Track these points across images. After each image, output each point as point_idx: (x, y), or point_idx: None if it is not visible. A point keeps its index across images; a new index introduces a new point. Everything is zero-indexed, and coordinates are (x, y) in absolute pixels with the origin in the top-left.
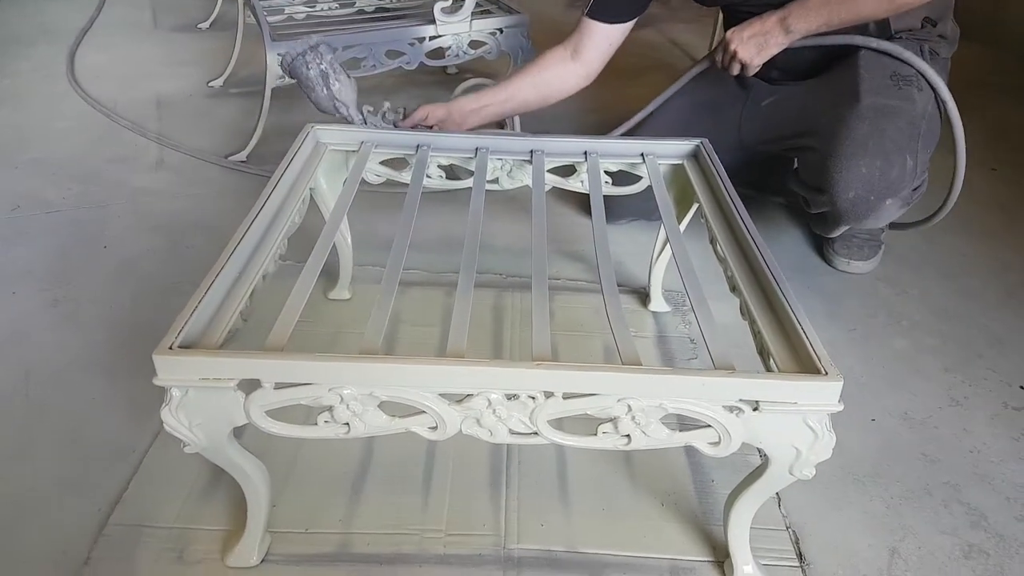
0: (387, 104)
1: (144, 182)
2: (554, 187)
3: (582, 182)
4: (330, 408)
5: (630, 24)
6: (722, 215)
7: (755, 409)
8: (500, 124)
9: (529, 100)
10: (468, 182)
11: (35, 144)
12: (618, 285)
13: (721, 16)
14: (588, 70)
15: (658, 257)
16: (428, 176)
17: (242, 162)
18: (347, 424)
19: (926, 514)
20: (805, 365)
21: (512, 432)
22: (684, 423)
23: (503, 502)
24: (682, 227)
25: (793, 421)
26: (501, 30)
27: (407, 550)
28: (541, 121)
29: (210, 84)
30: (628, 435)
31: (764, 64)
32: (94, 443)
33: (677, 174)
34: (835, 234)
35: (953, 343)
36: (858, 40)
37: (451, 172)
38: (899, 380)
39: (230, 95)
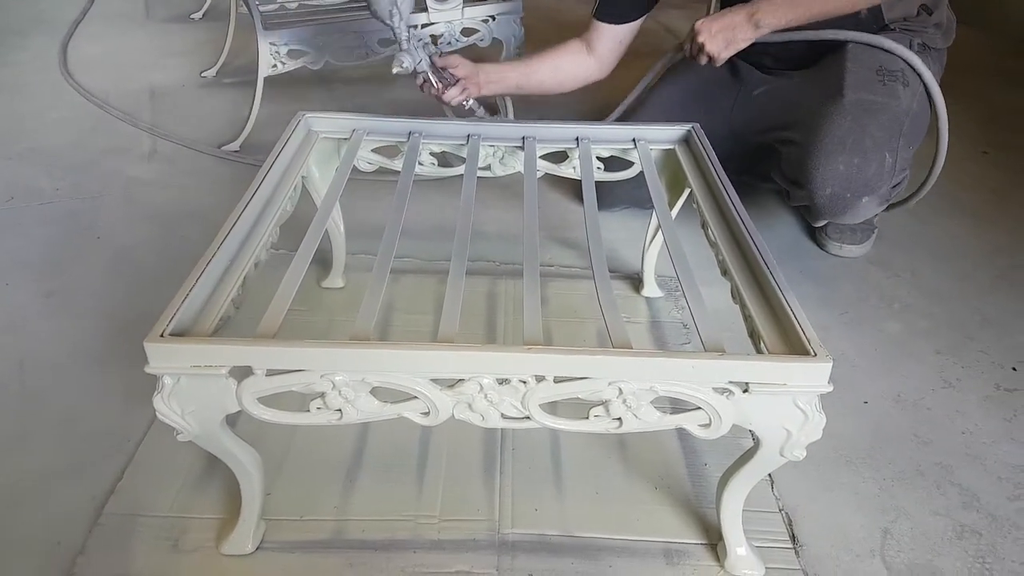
0: (427, 41)
1: (137, 172)
2: (547, 174)
3: (574, 168)
4: (322, 394)
5: (638, 23)
6: (713, 200)
7: (745, 391)
8: (493, 110)
9: (545, 81)
10: (460, 169)
11: (29, 135)
12: (611, 271)
13: (715, 2)
14: (602, 64)
15: (651, 243)
16: (420, 163)
17: (235, 152)
18: (339, 410)
19: (918, 495)
20: (795, 347)
21: (504, 416)
22: (676, 406)
23: (497, 487)
24: (674, 213)
25: (783, 402)
26: (494, 17)
27: (401, 536)
28: (533, 107)
29: (203, 74)
30: (619, 418)
31: (757, 51)
32: (88, 433)
33: (669, 159)
34: (819, 224)
35: (945, 325)
36: (846, 35)
37: (443, 159)
38: (891, 363)
39: (223, 85)
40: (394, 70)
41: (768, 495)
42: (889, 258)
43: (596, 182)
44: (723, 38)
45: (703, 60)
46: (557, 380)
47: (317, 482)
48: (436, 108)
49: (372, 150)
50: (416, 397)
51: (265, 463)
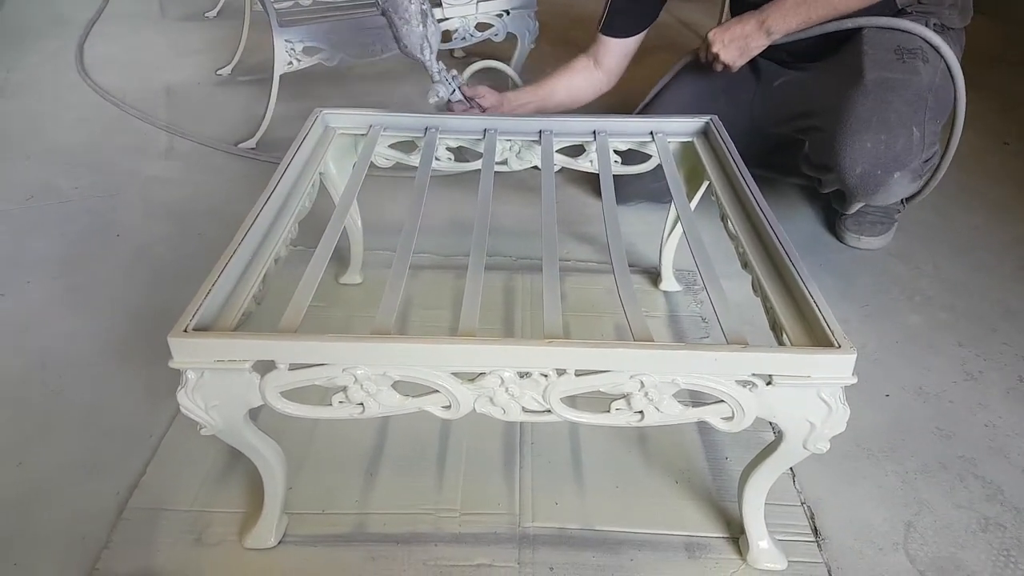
0: (455, 71)
1: (155, 170)
2: (564, 170)
3: (591, 162)
4: (344, 388)
5: (642, 34)
6: (733, 192)
7: (768, 383)
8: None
9: (563, 101)
10: (477, 164)
11: (47, 135)
12: (629, 265)
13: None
14: (609, 76)
15: (668, 236)
16: (437, 159)
17: (251, 149)
18: (361, 404)
19: (942, 488)
20: (818, 339)
21: (525, 410)
22: (697, 399)
23: (517, 481)
24: (692, 206)
25: (807, 395)
26: (508, 11)
27: (423, 529)
28: None
29: (218, 72)
30: (641, 411)
31: (772, 47)
32: (111, 428)
33: (687, 152)
34: (852, 210)
35: (967, 318)
36: (860, 21)
37: (460, 154)
38: (913, 355)
39: (238, 83)
40: (430, 100)
41: (790, 488)
42: (910, 251)
43: (613, 176)
44: (736, 47)
45: (719, 67)
46: (578, 373)
47: (338, 476)
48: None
49: (389, 146)
50: (437, 391)
51: (287, 458)
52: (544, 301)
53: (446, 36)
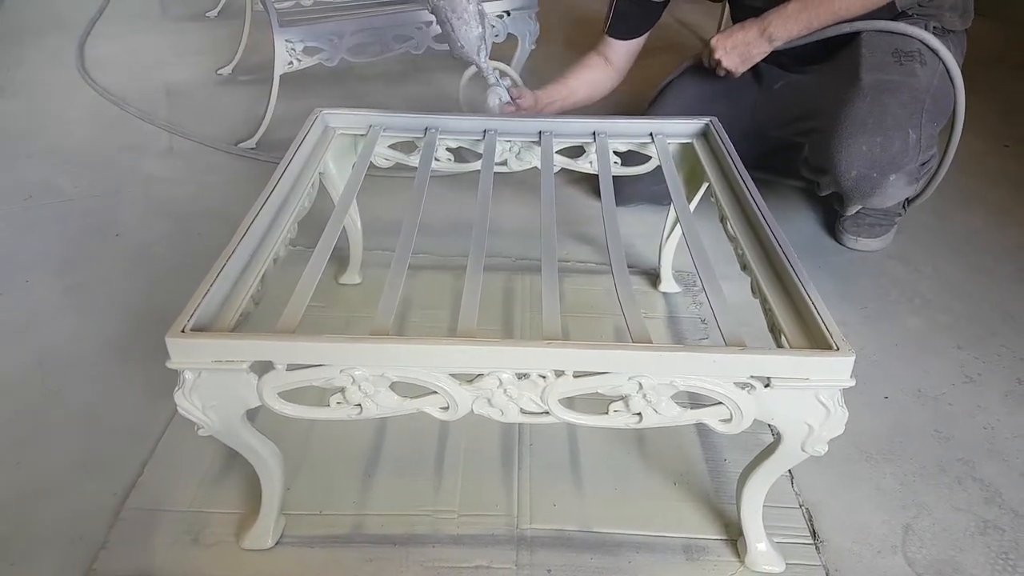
0: (498, 71)
1: (155, 170)
2: (564, 171)
3: (591, 163)
4: (342, 389)
5: (645, 35)
6: (732, 193)
7: (767, 385)
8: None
9: (581, 97)
10: (476, 164)
11: (47, 134)
12: (628, 266)
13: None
14: (619, 73)
15: (668, 238)
16: (436, 159)
17: (251, 149)
18: (359, 405)
19: (940, 491)
20: (817, 341)
21: (523, 411)
22: (695, 401)
23: (515, 482)
24: (691, 207)
25: (805, 397)
26: (509, 12)
27: (420, 531)
28: None
29: (219, 72)
30: (639, 413)
31: (773, 51)
32: (109, 428)
33: (686, 153)
34: (850, 212)
35: (966, 320)
36: (858, 25)
37: (459, 155)
38: (912, 358)
39: (239, 83)
40: (491, 103)
41: (788, 491)
42: (909, 253)
43: (613, 177)
44: (738, 54)
45: (721, 73)
46: (577, 375)
47: (336, 477)
48: (450, 104)
49: (389, 146)
50: (435, 392)
51: (285, 459)
52: (543, 302)
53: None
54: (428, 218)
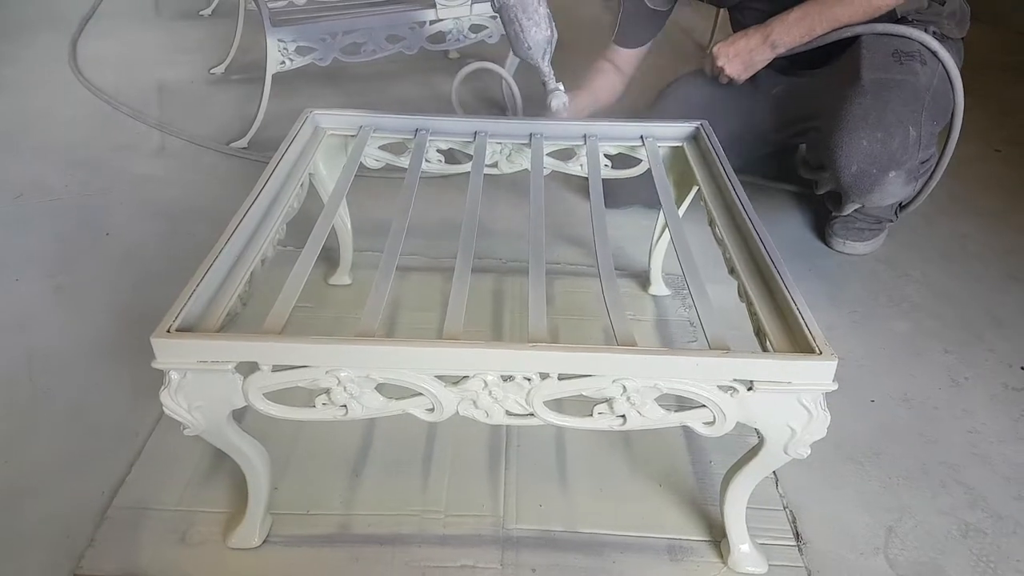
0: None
1: (146, 169)
2: (555, 173)
3: (581, 165)
4: (328, 390)
5: (650, 43)
6: (721, 197)
7: (749, 389)
8: (502, 108)
9: (603, 103)
10: (467, 166)
11: (38, 131)
12: (618, 269)
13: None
14: (627, 77)
15: (658, 241)
16: (427, 160)
17: (243, 148)
18: (345, 406)
19: (923, 494)
20: (800, 345)
21: (508, 413)
22: (681, 403)
23: (502, 483)
24: (682, 210)
25: (787, 400)
26: None
27: (407, 531)
28: (541, 105)
29: (211, 71)
30: (624, 415)
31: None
32: (97, 427)
33: (677, 156)
34: (847, 211)
35: (954, 325)
36: (859, 29)
37: (450, 156)
38: (899, 362)
39: (231, 82)
40: (552, 106)
41: (772, 492)
42: (898, 257)
43: (604, 180)
44: (741, 62)
45: (724, 80)
46: (561, 377)
47: (323, 477)
48: (443, 105)
49: (379, 147)
50: (421, 394)
51: (272, 458)
52: (529, 304)
53: (440, 38)
54: (418, 219)
